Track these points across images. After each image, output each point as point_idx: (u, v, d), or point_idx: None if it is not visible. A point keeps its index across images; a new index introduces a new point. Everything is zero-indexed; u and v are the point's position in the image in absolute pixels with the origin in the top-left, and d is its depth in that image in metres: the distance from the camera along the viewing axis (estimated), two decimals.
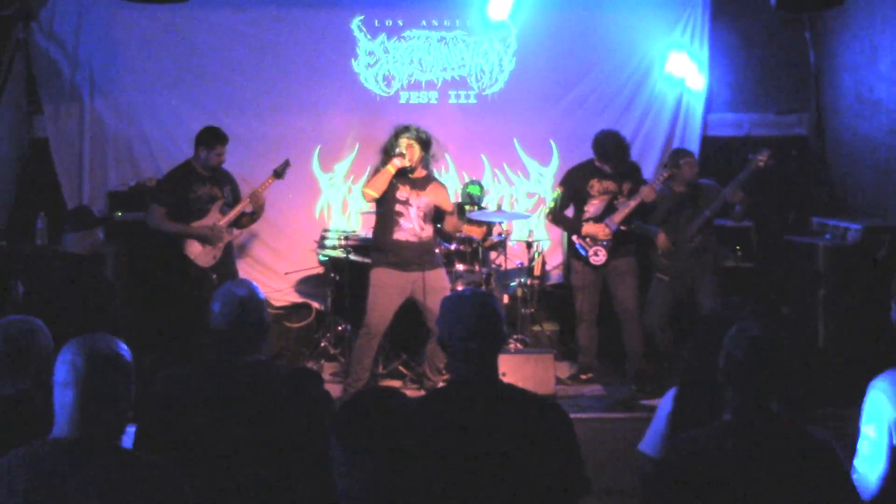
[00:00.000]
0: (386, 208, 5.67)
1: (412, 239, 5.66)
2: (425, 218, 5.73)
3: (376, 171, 5.92)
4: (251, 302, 2.79)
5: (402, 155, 5.61)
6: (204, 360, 2.80)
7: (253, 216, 6.07)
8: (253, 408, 2.64)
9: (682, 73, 7.42)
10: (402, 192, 5.67)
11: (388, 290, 5.61)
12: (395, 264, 5.63)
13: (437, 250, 6.34)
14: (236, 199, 6.03)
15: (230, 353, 2.76)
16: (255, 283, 2.91)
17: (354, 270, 6.29)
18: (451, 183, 7.40)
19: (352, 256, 6.35)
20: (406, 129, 5.76)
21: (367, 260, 6.01)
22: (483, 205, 6.93)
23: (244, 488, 2.60)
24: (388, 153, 5.87)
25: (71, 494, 2.13)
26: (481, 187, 6.97)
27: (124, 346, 2.35)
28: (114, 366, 2.29)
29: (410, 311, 5.84)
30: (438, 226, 6.47)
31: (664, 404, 2.89)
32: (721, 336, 2.40)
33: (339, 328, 6.57)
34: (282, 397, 2.70)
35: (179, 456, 2.52)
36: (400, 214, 5.65)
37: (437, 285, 5.67)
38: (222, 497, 2.62)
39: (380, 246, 5.71)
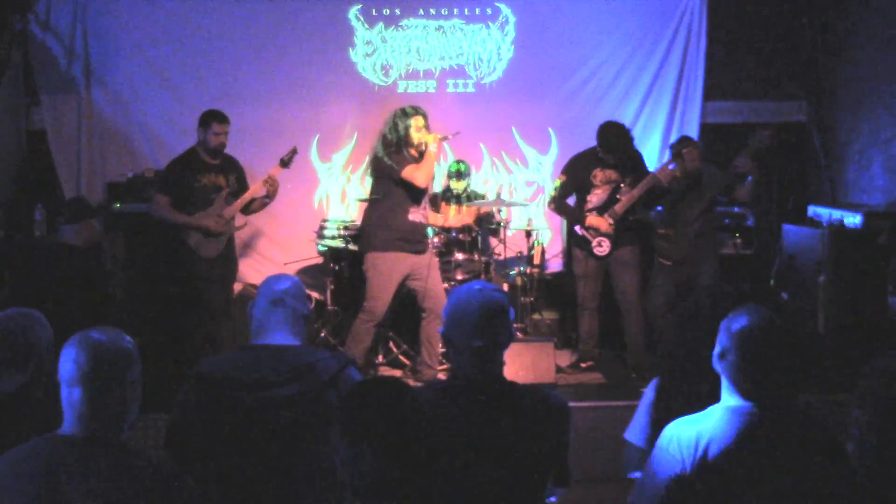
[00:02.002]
0: (402, 190, 5.49)
1: (424, 220, 5.66)
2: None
3: (376, 159, 5.62)
4: (282, 294, 2.82)
5: (444, 138, 5.59)
6: (236, 347, 2.85)
7: (265, 200, 5.95)
8: (287, 394, 2.64)
9: (680, 61, 7.39)
10: None
11: (393, 275, 5.49)
12: (403, 246, 5.48)
13: (436, 238, 6.34)
14: (242, 187, 5.89)
15: (262, 339, 2.80)
16: (295, 278, 2.95)
17: (354, 260, 6.28)
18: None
19: (351, 246, 6.35)
20: (415, 110, 5.57)
21: None
22: (480, 190, 6.90)
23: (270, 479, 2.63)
24: (395, 140, 5.51)
25: (76, 491, 2.10)
26: (466, 164, 6.94)
27: (128, 339, 2.30)
28: (118, 360, 2.23)
29: (411, 298, 5.82)
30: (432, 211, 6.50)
31: (647, 393, 2.91)
32: (701, 324, 2.38)
33: (339, 318, 6.58)
34: (320, 385, 2.68)
35: (214, 447, 2.57)
36: (419, 196, 5.58)
37: (436, 263, 5.70)
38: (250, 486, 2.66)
39: (390, 226, 5.47)
